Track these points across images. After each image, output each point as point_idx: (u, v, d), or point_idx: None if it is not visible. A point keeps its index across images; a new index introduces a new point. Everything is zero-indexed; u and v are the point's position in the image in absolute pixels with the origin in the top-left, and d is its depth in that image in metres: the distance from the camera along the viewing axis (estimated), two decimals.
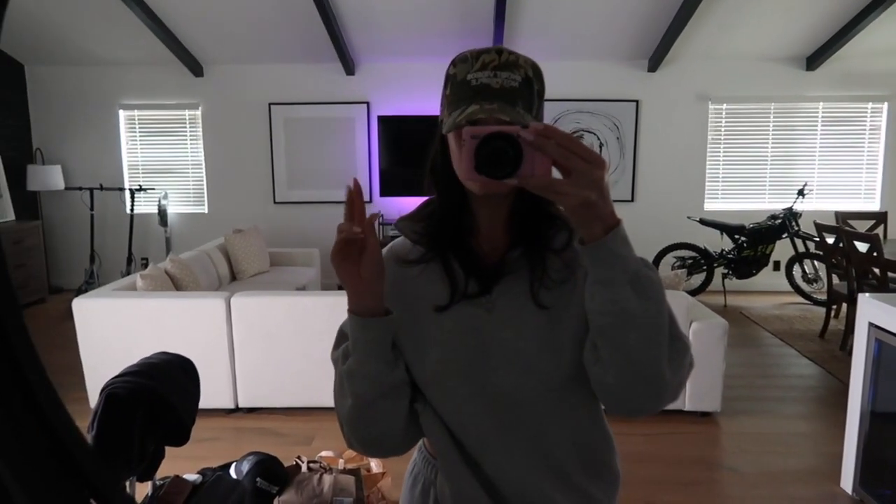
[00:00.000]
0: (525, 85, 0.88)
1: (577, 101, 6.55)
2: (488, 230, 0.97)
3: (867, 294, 2.79)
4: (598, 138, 6.60)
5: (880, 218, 5.91)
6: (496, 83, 0.86)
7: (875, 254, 4.28)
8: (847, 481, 2.88)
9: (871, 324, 2.72)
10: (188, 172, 6.89)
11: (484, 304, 0.95)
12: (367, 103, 6.62)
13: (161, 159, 6.88)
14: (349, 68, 6.50)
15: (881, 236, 5.14)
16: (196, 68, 6.59)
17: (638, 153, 6.67)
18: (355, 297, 0.90)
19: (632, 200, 6.70)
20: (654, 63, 6.40)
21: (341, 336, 0.98)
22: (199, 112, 6.75)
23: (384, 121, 6.53)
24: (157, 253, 6.77)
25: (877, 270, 4.34)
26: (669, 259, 6.35)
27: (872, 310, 2.72)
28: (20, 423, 0.41)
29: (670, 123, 6.62)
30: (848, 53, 6.22)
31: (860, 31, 5.82)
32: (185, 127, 6.81)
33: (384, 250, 1.03)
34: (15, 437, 0.41)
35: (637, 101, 6.57)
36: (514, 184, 0.76)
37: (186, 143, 6.84)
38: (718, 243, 6.38)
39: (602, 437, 1.03)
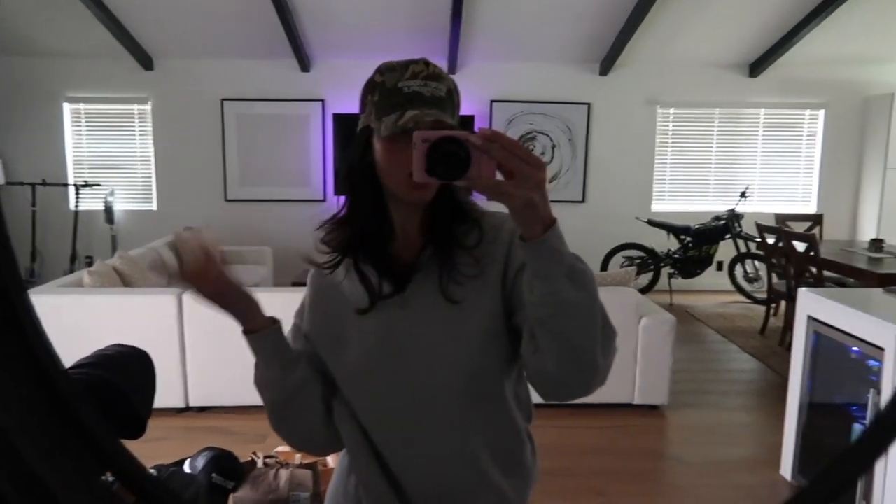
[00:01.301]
0: (449, 96, 0.96)
1: (531, 102, 6.65)
2: (404, 231, 1.03)
3: (806, 289, 2.93)
4: (551, 140, 6.72)
5: (816, 220, 6.18)
6: (427, 91, 0.93)
7: (812, 253, 4.49)
8: (786, 468, 3.02)
9: (809, 317, 2.86)
10: (136, 168, 6.72)
11: (399, 303, 1.01)
12: (323, 101, 6.58)
13: (108, 154, 6.68)
14: (304, 65, 6.45)
15: (817, 237, 5.38)
16: (146, 61, 6.43)
17: (589, 155, 6.81)
18: (238, 319, 1.02)
19: (583, 201, 6.84)
20: (606, 67, 6.56)
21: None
22: (148, 106, 6.59)
23: (339, 119, 6.50)
24: (102, 251, 6.57)
25: (814, 269, 4.55)
26: (619, 258, 6.51)
27: (811, 303, 2.86)
28: (31, 393, 0.42)
29: (620, 126, 6.79)
30: (788, 62, 6.49)
31: (799, 40, 6.08)
32: (134, 122, 6.64)
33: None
34: (26, 405, 0.42)
35: (589, 104, 6.71)
36: (462, 185, 0.81)
37: (135, 139, 6.67)
38: (665, 244, 6.56)
39: (513, 432, 1.07)
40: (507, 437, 1.07)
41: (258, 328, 1.01)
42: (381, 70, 0.97)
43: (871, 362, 2.47)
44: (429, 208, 1.02)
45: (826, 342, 2.78)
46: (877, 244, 4.85)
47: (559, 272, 0.84)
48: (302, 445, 1.10)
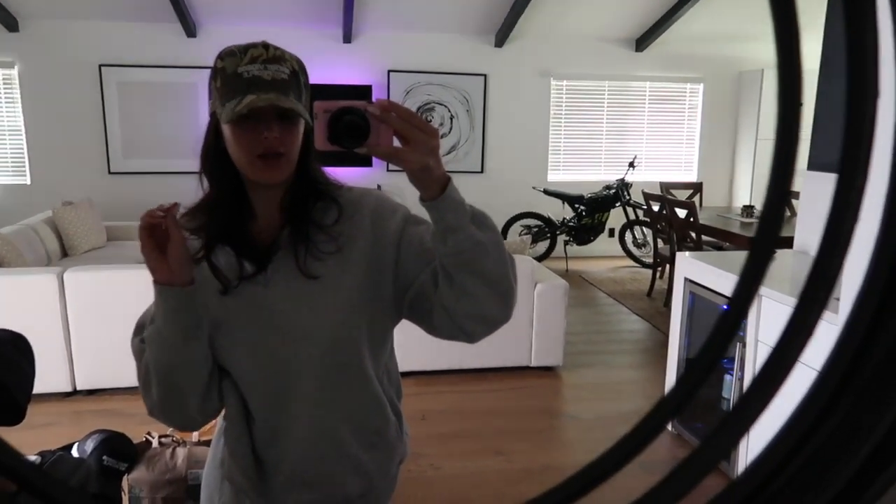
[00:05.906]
0: (293, 77, 0.97)
1: (429, 73, 6.65)
2: (264, 213, 1.05)
3: (682, 253, 3.15)
4: (449, 110, 6.76)
5: (697, 188, 6.61)
6: (267, 75, 0.94)
7: (692, 219, 4.80)
8: None
9: (686, 279, 3.08)
10: (4, 139, 6.19)
11: (261, 282, 1.04)
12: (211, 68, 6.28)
13: None
14: (190, 30, 6.13)
15: (697, 204, 5.74)
16: (10, 21, 5.89)
17: (487, 126, 6.91)
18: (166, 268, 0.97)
19: (481, 172, 6.95)
20: (501, 39, 6.64)
21: (140, 326, 1.08)
22: (14, 71, 6.06)
23: None
24: None
25: (693, 234, 4.87)
26: (517, 227, 6.69)
27: (688, 266, 3.07)
28: None
29: (516, 98, 6.92)
30: (670, 38, 6.82)
31: (680, 17, 6.39)
32: None
33: None
34: None
35: (485, 76, 6.79)
36: (362, 152, 0.87)
37: (1, 107, 6.13)
38: (561, 212, 6.80)
39: (375, 407, 1.11)
40: (369, 412, 1.11)
41: (171, 283, 0.96)
42: (221, 55, 0.98)
43: None
44: (288, 189, 1.04)
45: (701, 301, 3.01)
46: (748, 210, 5.24)
47: (465, 220, 0.92)
48: (163, 413, 1.06)
